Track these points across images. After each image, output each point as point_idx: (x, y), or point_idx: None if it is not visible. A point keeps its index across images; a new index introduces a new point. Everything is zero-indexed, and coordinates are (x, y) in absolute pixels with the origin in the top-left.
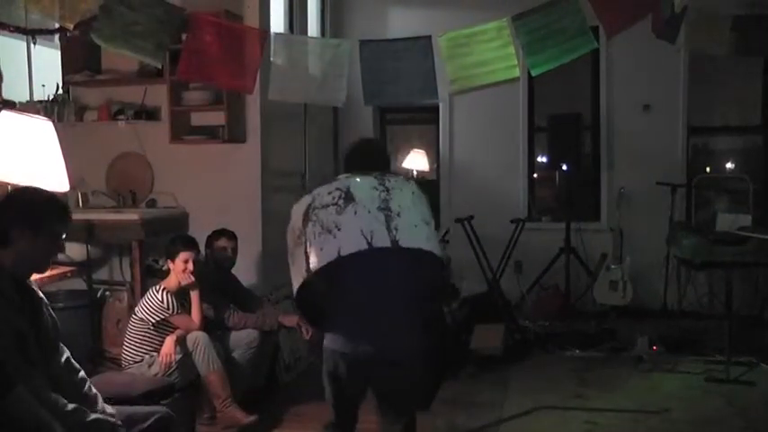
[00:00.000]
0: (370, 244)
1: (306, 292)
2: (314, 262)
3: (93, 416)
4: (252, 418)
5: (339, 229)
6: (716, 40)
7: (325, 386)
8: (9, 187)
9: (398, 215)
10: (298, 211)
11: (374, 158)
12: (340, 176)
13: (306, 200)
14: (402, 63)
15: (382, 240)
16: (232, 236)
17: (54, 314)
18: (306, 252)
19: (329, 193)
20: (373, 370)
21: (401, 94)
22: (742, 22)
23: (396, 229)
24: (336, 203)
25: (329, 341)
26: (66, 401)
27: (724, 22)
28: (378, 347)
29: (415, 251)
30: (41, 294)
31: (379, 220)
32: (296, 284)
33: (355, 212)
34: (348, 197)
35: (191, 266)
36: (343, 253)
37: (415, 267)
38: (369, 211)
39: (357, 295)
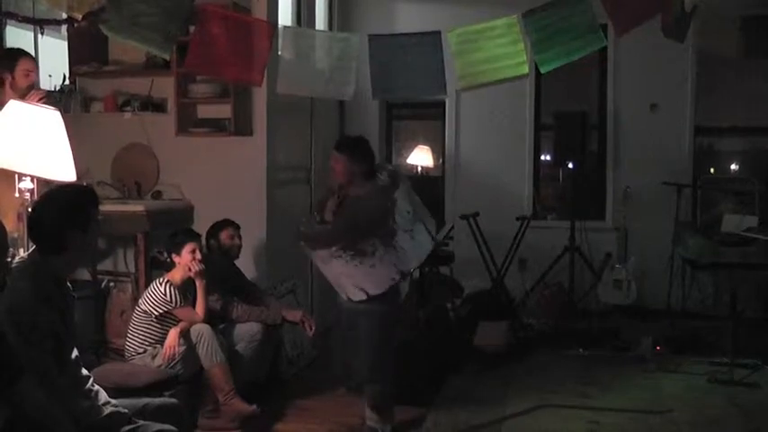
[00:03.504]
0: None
1: None
2: (435, 234)
3: (107, 411)
4: (253, 407)
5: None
6: (725, 40)
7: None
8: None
9: None
10: (402, 197)
11: None
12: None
13: (403, 188)
14: (411, 58)
15: None
16: (236, 225)
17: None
18: (426, 228)
19: (407, 185)
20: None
21: (409, 89)
22: (751, 23)
23: None
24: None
25: (393, 308)
26: (82, 401)
27: (733, 23)
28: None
29: None
30: (72, 292)
31: None
32: (423, 255)
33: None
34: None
35: (198, 255)
36: (434, 234)
37: None
38: None
39: None
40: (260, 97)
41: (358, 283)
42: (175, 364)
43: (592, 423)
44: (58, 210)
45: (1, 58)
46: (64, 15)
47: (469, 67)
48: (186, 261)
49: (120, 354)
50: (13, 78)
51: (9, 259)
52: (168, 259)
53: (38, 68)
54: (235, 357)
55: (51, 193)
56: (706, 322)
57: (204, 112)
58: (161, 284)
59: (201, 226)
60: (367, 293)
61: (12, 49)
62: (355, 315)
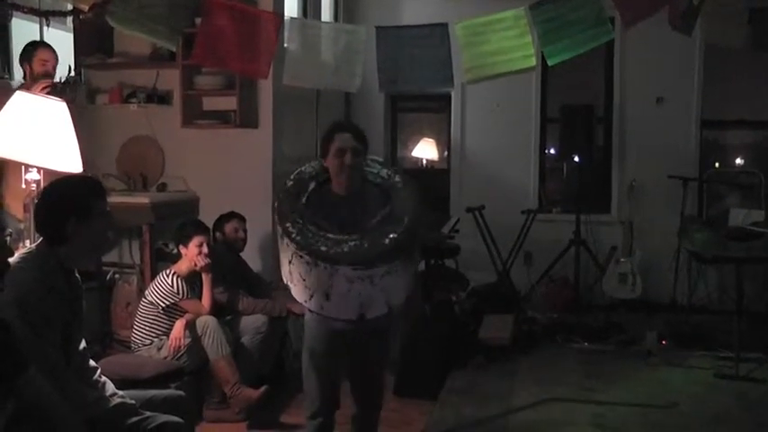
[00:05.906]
0: None
1: None
2: None
3: (115, 402)
4: (262, 389)
5: None
6: (732, 33)
7: None
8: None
9: None
10: None
11: None
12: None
13: None
14: (417, 50)
15: None
16: (242, 218)
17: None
18: None
19: None
20: None
21: (416, 82)
22: (759, 16)
23: None
24: None
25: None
26: (89, 392)
27: (741, 16)
28: None
29: None
30: (81, 283)
31: None
32: None
33: None
34: None
35: (205, 249)
36: None
37: None
38: None
39: None
40: (265, 89)
41: (389, 296)
42: (181, 355)
43: (597, 416)
44: (59, 199)
45: (22, 50)
46: (70, 7)
47: (476, 59)
48: (192, 255)
49: (125, 345)
50: (31, 68)
51: (8, 238)
52: (175, 250)
53: (56, 59)
54: (240, 350)
55: (55, 183)
56: (711, 316)
57: (209, 104)
58: (168, 276)
59: (207, 218)
60: (389, 306)
61: (33, 42)
62: (363, 336)
